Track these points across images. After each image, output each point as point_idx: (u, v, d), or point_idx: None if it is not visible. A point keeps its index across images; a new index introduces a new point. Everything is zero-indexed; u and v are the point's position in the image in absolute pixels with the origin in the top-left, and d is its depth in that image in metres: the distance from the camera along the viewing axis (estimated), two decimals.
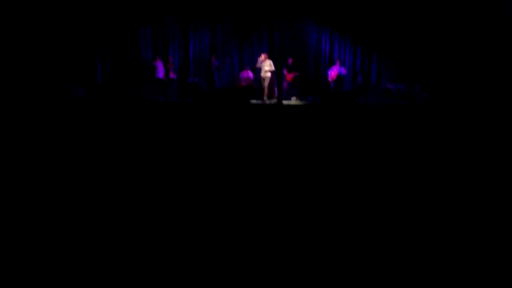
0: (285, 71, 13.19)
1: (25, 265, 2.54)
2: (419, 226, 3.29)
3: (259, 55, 12.59)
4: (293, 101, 12.90)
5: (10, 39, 10.86)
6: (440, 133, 8.05)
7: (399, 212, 3.61)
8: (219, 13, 13.56)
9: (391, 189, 4.34)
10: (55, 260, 2.60)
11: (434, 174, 5.00)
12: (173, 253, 2.73)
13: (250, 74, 13.14)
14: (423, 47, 13.90)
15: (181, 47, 13.68)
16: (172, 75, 12.77)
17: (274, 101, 12.03)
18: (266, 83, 12.42)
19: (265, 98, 12.39)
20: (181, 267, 2.58)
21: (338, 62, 13.75)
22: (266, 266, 2.60)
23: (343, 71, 13.66)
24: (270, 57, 12.58)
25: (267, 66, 12.31)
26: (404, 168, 5.28)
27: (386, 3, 13.95)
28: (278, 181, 4.58)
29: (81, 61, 12.35)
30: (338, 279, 2.49)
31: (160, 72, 12.51)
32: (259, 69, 12.43)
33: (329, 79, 13.56)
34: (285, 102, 12.17)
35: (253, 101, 12.01)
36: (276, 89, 13.19)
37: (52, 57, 11.71)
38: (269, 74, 12.37)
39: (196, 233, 3.03)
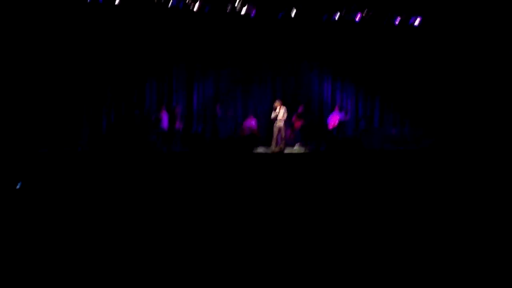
0: (294, 118, 13.18)
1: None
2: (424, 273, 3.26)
3: (275, 101, 11.96)
4: (297, 148, 12.88)
5: (17, 91, 11.19)
6: (445, 178, 7.97)
7: (404, 257, 3.57)
8: (223, 63, 13.77)
9: (396, 237, 4.30)
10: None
11: (436, 219, 4.93)
12: None
13: (253, 122, 13.18)
14: (426, 92, 13.97)
15: (185, 97, 13.81)
16: (178, 125, 12.79)
17: (278, 149, 11.88)
18: (277, 132, 11.81)
19: (273, 146, 11.87)
20: None
21: (337, 108, 13.83)
22: None
23: (344, 116, 13.67)
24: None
25: (280, 115, 11.73)
26: (409, 214, 5.23)
27: (388, 49, 14.17)
28: (278, 226, 4.55)
29: (87, 114, 12.50)
30: None
31: (165, 123, 12.59)
32: (275, 119, 11.78)
33: (330, 127, 13.55)
34: (288, 149, 12.15)
35: (257, 149, 11.99)
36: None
37: (59, 109, 11.91)
38: (282, 124, 11.78)
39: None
